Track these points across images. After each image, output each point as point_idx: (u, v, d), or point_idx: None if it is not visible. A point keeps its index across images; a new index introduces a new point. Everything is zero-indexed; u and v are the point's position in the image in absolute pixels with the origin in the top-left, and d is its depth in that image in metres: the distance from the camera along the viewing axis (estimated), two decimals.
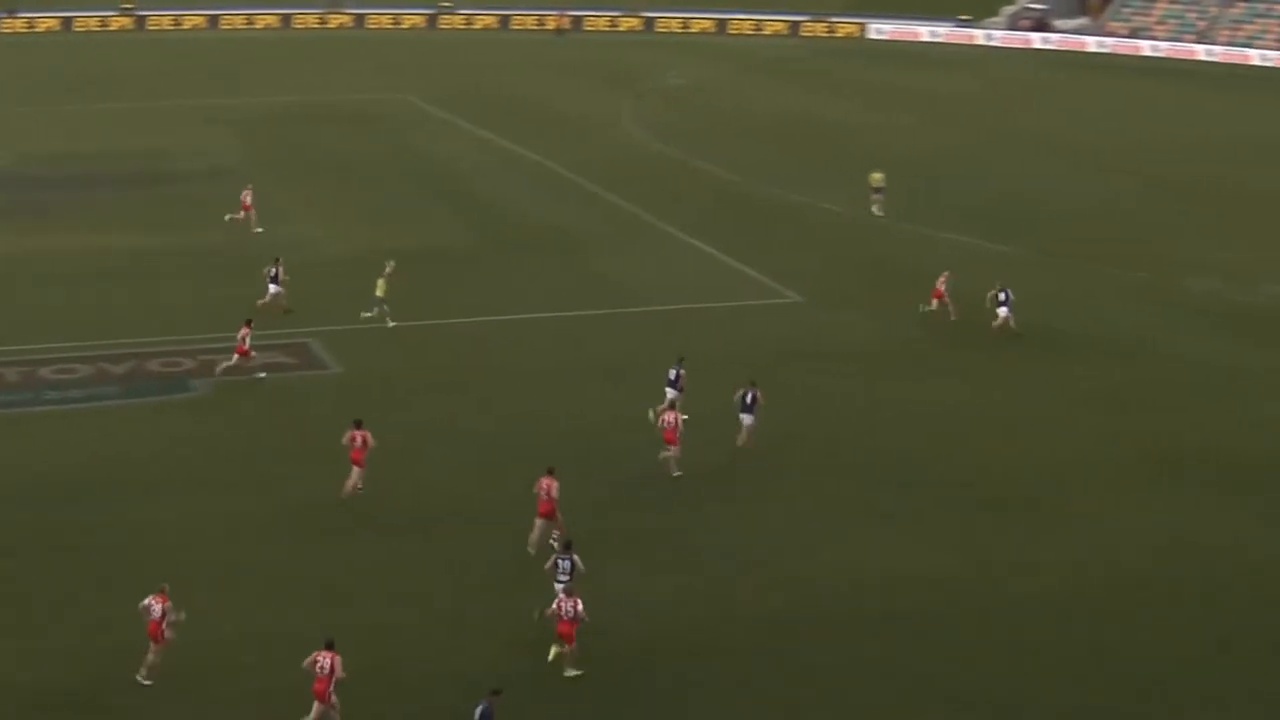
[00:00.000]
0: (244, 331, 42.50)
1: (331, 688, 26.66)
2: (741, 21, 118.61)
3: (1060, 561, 32.65)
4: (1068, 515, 34.86)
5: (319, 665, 26.86)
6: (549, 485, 33.05)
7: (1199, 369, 44.48)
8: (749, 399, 38.12)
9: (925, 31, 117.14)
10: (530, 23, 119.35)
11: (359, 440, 35.13)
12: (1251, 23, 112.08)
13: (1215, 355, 45.62)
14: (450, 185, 66.86)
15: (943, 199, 65.12)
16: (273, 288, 47.66)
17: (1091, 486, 36.38)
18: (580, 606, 28.82)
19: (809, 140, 77.52)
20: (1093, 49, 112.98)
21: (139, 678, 27.69)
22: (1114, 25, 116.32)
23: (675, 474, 36.42)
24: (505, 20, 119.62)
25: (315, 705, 26.71)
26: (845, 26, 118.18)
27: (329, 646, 26.95)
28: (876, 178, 62.31)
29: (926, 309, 48.03)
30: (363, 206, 62.34)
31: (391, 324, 46.45)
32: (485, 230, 59.06)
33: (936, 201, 64.62)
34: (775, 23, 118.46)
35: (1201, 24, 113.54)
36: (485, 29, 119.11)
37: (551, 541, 32.55)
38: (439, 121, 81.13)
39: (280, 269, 47.93)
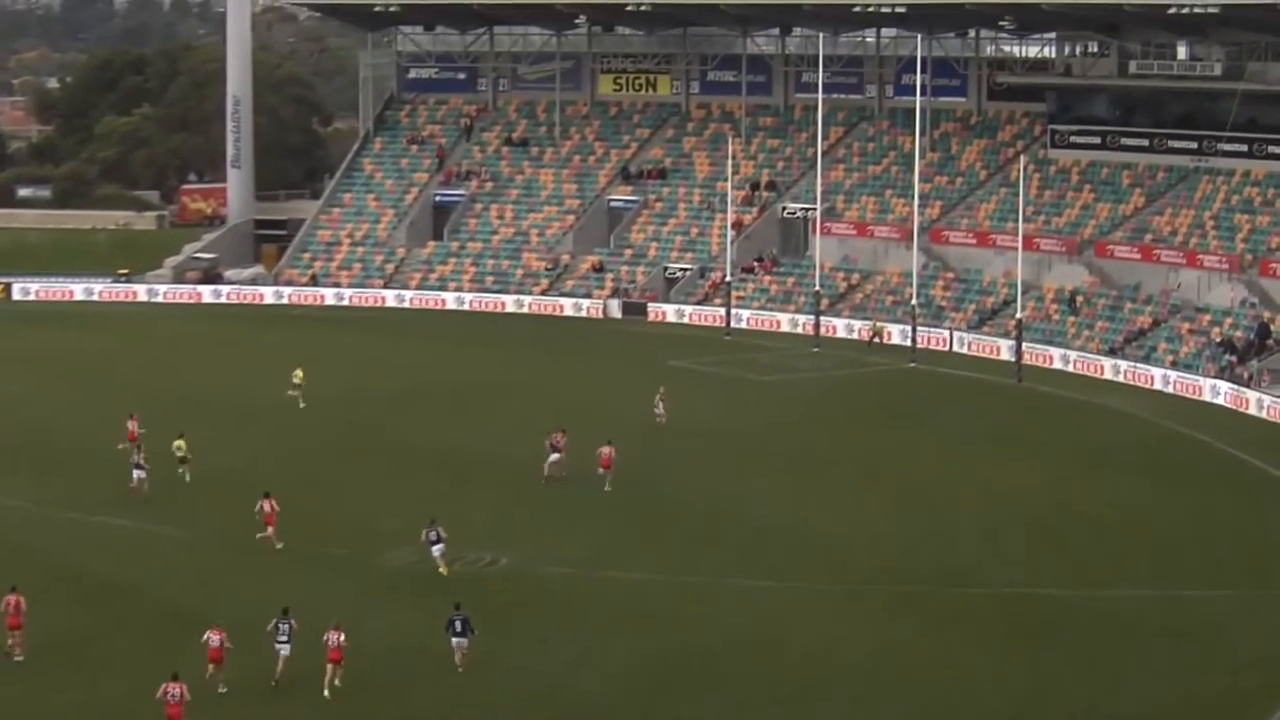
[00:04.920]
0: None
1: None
2: None
3: None
4: None
5: (169, 694, 40.46)
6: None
7: (397, 653, 47.65)
8: (556, 442, 64.72)
9: (79, 290, 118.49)
10: None
11: (268, 507, 54.67)
12: (445, 263, 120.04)
13: (401, 631, 48.97)
14: None
15: (72, 474, 66.80)
16: (136, 473, 61.94)
17: None
18: (343, 638, 43.95)
19: None
20: (270, 300, 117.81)
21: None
22: (292, 273, 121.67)
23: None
24: None
25: None
26: None
27: (174, 678, 40.69)
28: (298, 374, 79.95)
29: None
30: None
31: None
32: None
33: (67, 473, 66.49)
34: None
35: (389, 268, 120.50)
36: None
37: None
38: None
39: (142, 455, 62.22)
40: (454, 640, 45.77)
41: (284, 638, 44.46)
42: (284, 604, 46.31)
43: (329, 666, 44.02)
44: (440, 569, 53.68)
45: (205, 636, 44.19)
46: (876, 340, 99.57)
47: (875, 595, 53.36)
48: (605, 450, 64.71)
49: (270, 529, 56.58)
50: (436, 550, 53.88)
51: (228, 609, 48.23)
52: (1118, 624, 50.55)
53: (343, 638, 44.04)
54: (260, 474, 66.31)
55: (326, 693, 43.87)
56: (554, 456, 65.86)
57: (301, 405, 79.07)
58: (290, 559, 55.79)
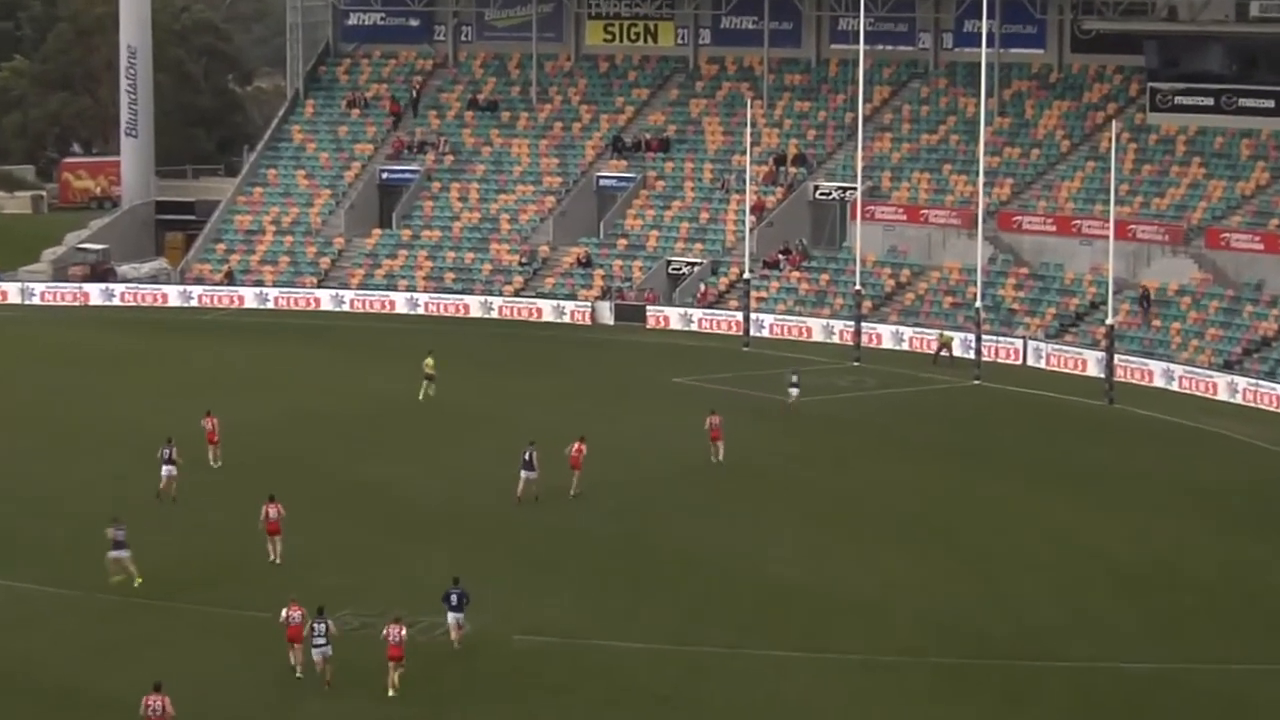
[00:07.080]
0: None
1: None
2: None
3: None
4: None
5: (150, 707, 45.04)
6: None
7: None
8: (529, 457, 68.85)
9: None
10: None
11: (274, 513, 60.97)
12: (393, 257, 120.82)
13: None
14: None
15: None
16: (166, 469, 68.90)
17: None
18: (404, 632, 50.30)
19: None
20: (176, 302, 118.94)
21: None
22: (202, 269, 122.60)
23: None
24: None
25: None
26: None
27: (157, 689, 45.42)
28: (429, 362, 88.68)
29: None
30: None
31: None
32: None
33: None
34: None
35: (324, 262, 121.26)
36: None
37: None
38: None
39: (174, 450, 69.17)
40: (450, 616, 53.24)
41: (321, 639, 50.47)
42: (195, 685, 48.02)
43: (390, 664, 50.05)
44: (135, 580, 59.01)
45: (285, 614, 51.38)
46: (945, 354, 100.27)
47: (922, 669, 53.98)
48: (715, 419, 76.68)
49: (277, 538, 61.74)
50: (122, 554, 59.10)
51: (128, 687, 49.35)
52: (1223, 703, 51.44)
53: (404, 632, 50.50)
54: (161, 520, 67.34)
55: (391, 692, 49.87)
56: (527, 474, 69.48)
57: (420, 398, 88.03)
58: (207, 623, 56.53)
